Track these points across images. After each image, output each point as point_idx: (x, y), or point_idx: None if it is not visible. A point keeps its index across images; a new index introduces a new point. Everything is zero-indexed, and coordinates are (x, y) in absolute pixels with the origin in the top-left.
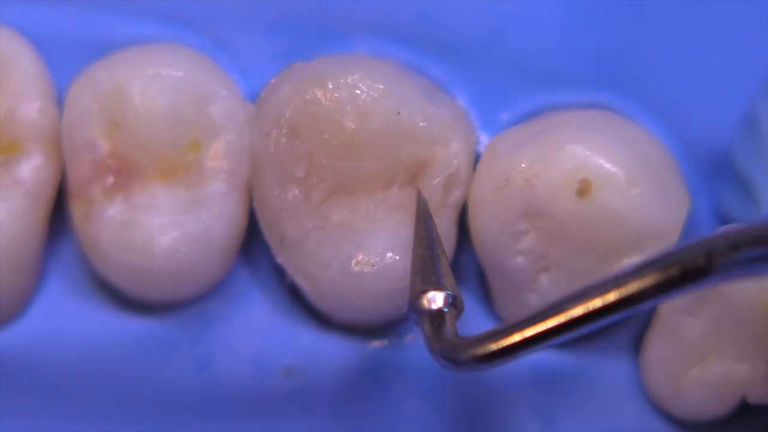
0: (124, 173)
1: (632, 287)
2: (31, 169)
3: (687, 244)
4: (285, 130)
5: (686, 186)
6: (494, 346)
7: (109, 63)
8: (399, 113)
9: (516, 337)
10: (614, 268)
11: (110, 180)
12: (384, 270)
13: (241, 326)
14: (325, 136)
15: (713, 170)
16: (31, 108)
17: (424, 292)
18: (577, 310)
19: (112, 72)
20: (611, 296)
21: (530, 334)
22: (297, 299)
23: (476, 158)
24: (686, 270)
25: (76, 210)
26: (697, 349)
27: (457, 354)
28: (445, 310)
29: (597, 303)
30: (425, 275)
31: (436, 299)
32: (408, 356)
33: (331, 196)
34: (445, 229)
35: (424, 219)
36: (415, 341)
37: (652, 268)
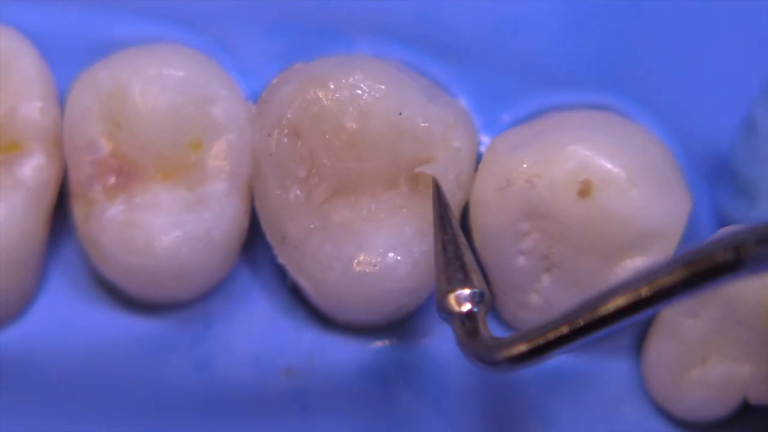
0: (126, 173)
1: (662, 283)
2: (33, 168)
3: (714, 240)
4: (286, 131)
5: (688, 186)
6: (527, 347)
7: (110, 63)
8: (400, 113)
9: (549, 336)
10: (616, 269)
11: (111, 180)
12: (385, 270)
13: (241, 326)
14: (327, 137)
15: (713, 172)
16: (33, 108)
17: (451, 291)
18: (608, 308)
19: (114, 72)
20: (643, 292)
21: (563, 333)
22: (298, 299)
23: (478, 159)
24: (716, 265)
25: (78, 210)
26: (699, 349)
27: (491, 355)
28: (475, 309)
29: (627, 300)
30: (450, 273)
31: (464, 299)
32: (409, 356)
33: (333, 196)
34: None
35: (442, 211)
36: (415, 341)
37: (682, 264)
